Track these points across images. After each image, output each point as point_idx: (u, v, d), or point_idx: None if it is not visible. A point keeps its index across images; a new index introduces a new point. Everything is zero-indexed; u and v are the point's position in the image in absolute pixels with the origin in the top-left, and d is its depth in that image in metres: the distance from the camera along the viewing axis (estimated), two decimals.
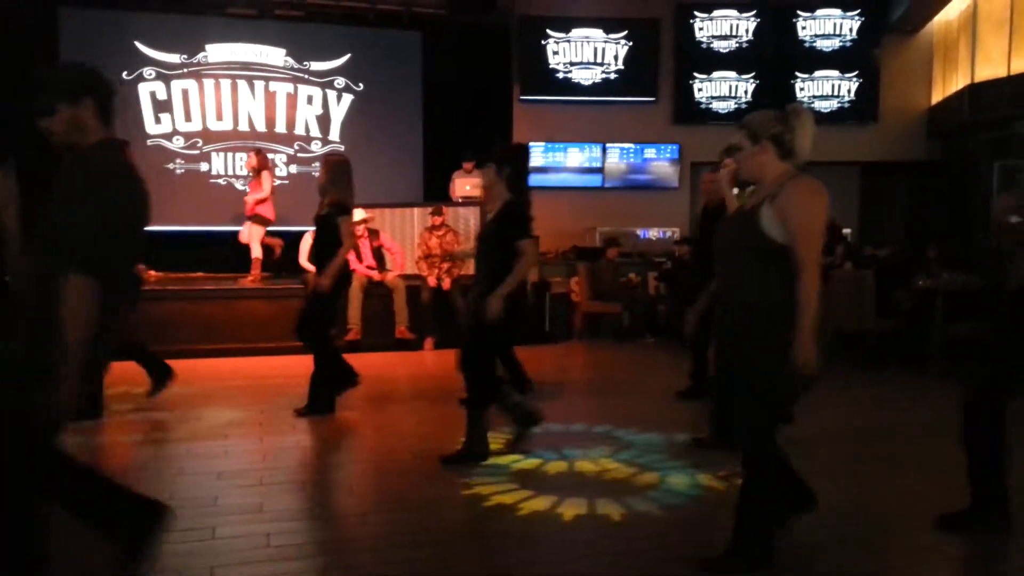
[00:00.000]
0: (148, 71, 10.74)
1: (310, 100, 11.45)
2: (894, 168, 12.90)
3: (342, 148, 11.41)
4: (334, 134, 11.52)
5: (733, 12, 12.41)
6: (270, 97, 11.24)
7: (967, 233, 11.15)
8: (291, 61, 11.31)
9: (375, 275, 8.55)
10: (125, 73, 10.47)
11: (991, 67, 11.29)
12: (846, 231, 11.15)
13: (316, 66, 11.41)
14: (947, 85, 12.33)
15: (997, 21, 11.24)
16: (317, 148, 11.37)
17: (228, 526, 3.48)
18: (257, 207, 8.97)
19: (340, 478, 4.23)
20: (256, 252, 9.05)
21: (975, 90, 11.37)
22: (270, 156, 10.72)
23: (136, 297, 6.03)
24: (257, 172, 9.03)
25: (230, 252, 9.63)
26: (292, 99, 11.36)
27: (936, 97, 12.67)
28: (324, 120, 11.50)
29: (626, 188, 12.29)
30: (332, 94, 11.51)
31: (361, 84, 11.56)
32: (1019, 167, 10.92)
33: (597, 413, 5.75)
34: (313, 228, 5.66)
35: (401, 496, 3.93)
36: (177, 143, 10.92)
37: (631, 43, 12.27)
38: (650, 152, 12.29)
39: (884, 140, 12.64)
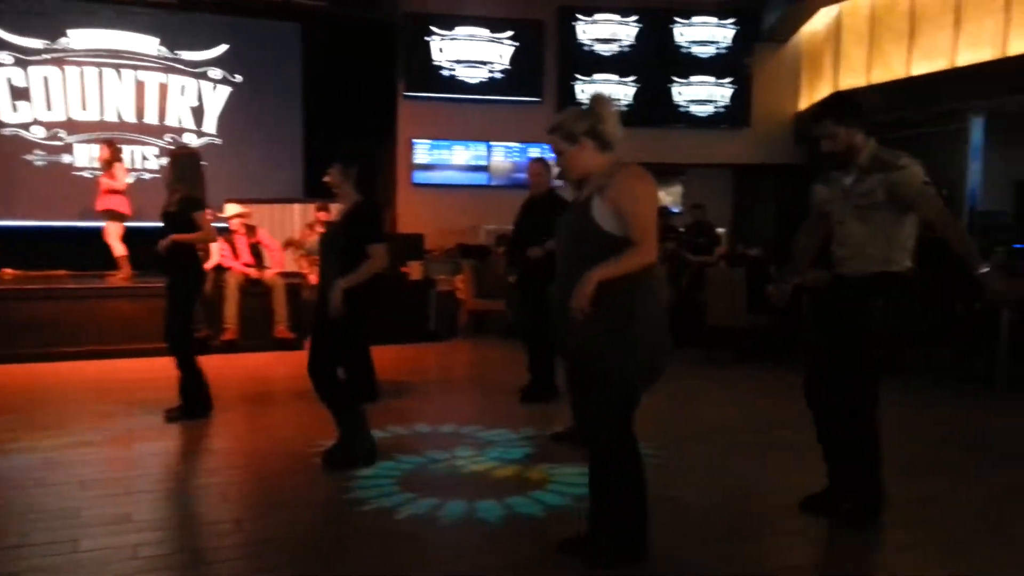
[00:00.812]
0: (4, 56, 10.05)
1: (183, 91, 10.99)
2: (765, 171, 13.50)
3: (218, 141, 11.03)
4: (209, 126, 11.10)
5: (614, 16, 12.69)
6: (140, 87, 10.72)
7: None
8: (164, 50, 10.82)
9: (252, 272, 8.27)
10: None
11: (853, 76, 11.99)
12: (720, 230, 11.57)
13: (190, 56, 10.96)
14: (813, 92, 13.01)
15: (859, 34, 11.94)
16: (192, 141, 10.92)
17: (92, 538, 3.28)
18: (109, 202, 8.49)
19: (214, 484, 4.06)
20: (119, 250, 8.57)
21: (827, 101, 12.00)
22: (140, 149, 10.22)
23: None
24: (109, 164, 8.56)
25: (98, 249, 9.10)
26: (164, 89, 10.87)
27: (803, 104, 13.34)
28: (198, 112, 11.06)
29: (512, 187, 12.36)
30: (207, 85, 11.08)
31: (238, 75, 11.18)
32: None
33: (479, 412, 5.75)
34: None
35: (278, 500, 3.81)
36: (37, 133, 10.27)
37: (517, 43, 12.36)
38: (535, 151, 12.39)
39: (756, 144, 13.22)
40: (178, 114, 10.98)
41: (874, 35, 11.70)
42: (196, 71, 11.04)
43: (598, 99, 2.97)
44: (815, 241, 3.78)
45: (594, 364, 2.87)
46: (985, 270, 3.31)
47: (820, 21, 12.74)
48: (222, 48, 11.07)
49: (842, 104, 3.65)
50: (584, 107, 2.98)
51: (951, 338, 7.44)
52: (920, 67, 10.89)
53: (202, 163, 5.43)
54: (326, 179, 4.38)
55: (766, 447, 4.85)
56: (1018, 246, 9.83)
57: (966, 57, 10.23)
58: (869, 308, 3.42)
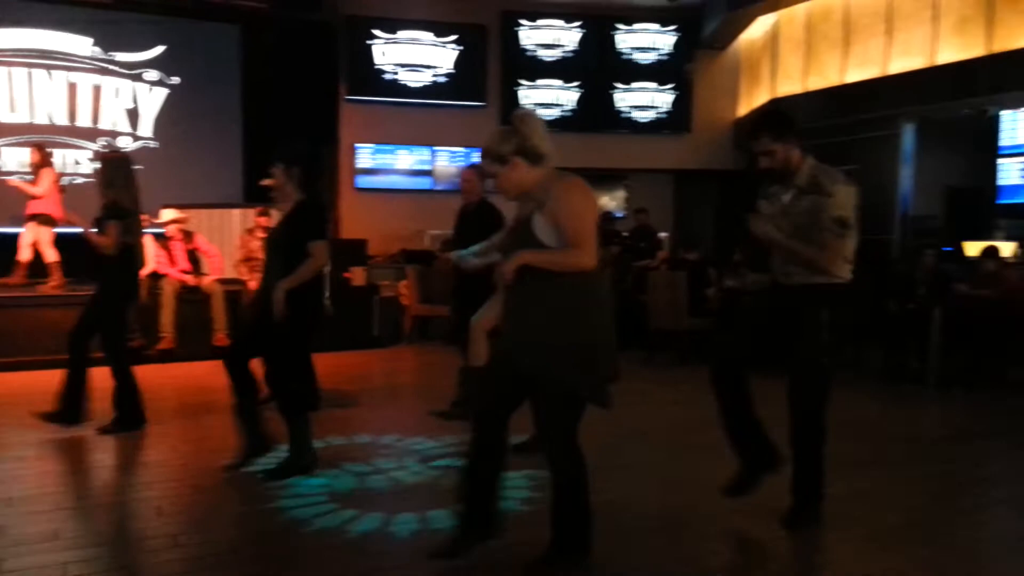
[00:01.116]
0: None
1: (118, 93, 10.71)
2: (705, 176, 13.71)
3: (154, 145, 10.78)
4: (145, 130, 10.84)
5: (558, 22, 12.77)
6: (72, 88, 10.42)
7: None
8: (97, 51, 10.53)
9: (190, 280, 8.08)
10: None
11: (790, 83, 12.26)
12: (662, 235, 11.72)
13: (125, 57, 10.69)
14: (752, 99, 13.27)
15: (795, 42, 12.22)
16: (127, 144, 10.65)
17: (18, 557, 3.17)
18: (38, 206, 8.23)
19: (149, 498, 3.95)
20: (50, 256, 8.30)
21: (776, 104, 12.29)
22: (72, 153, 9.93)
23: None
24: (38, 168, 8.31)
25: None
26: (98, 91, 10.58)
27: (742, 110, 13.59)
28: (134, 114, 10.79)
29: (456, 191, 12.28)
30: (143, 87, 10.82)
31: (176, 78, 10.94)
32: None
33: (422, 421, 5.70)
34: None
35: (216, 515, 3.73)
36: None
37: (460, 48, 12.34)
38: (479, 157, 12.39)
39: (696, 150, 13.42)
40: (113, 117, 10.70)
41: (810, 43, 11.98)
42: (132, 73, 10.77)
43: (519, 117, 2.98)
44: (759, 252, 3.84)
45: (545, 378, 2.88)
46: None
47: (758, 29, 13.01)
48: (159, 49, 10.82)
49: (779, 120, 3.69)
50: (508, 127, 2.99)
51: (884, 336, 7.64)
52: (854, 75, 11.19)
53: (133, 167, 5.28)
54: (267, 181, 4.31)
55: (706, 448, 4.90)
56: (948, 249, 10.17)
57: (898, 65, 10.54)
58: (816, 319, 3.48)
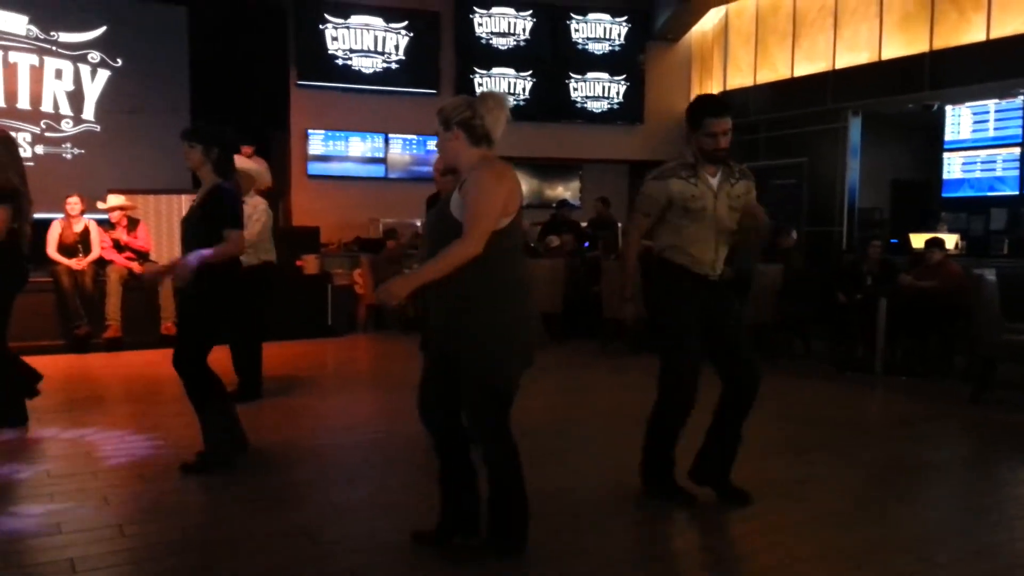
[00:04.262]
0: None
1: (59, 74, 10.38)
2: (658, 166, 13.77)
3: (97, 129, 10.49)
4: (88, 112, 10.54)
5: (510, 10, 12.72)
6: (11, 69, 10.07)
7: None
8: (35, 30, 10.19)
9: (136, 267, 7.90)
10: None
11: (740, 76, 12.41)
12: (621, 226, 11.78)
13: (66, 37, 10.36)
14: (703, 91, 13.37)
15: (746, 35, 12.37)
16: (68, 127, 10.35)
17: None
18: None
19: (94, 488, 3.84)
20: None
21: (726, 96, 12.43)
22: (12, 135, 9.61)
23: None
24: None
25: None
26: (37, 72, 10.25)
27: None
28: (76, 97, 10.47)
29: (410, 179, 12.23)
30: (85, 69, 10.51)
31: (119, 60, 10.64)
32: (765, 168, 12.07)
33: (377, 410, 5.66)
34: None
35: (163, 504, 3.64)
36: None
37: (412, 34, 12.22)
38: (433, 144, 12.29)
39: (649, 140, 13.50)
40: (54, 99, 10.37)
41: (760, 36, 12.14)
42: (73, 54, 10.44)
43: (483, 96, 2.94)
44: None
45: (463, 361, 2.86)
46: None
47: (709, 21, 13.13)
48: (101, 30, 10.51)
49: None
50: (472, 99, 2.96)
51: (832, 326, 7.80)
52: (803, 68, 11.37)
53: (18, 146, 4.97)
54: (187, 162, 4.17)
55: None
56: (894, 241, 10.42)
57: (845, 60, 10.74)
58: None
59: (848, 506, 3.75)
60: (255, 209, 5.61)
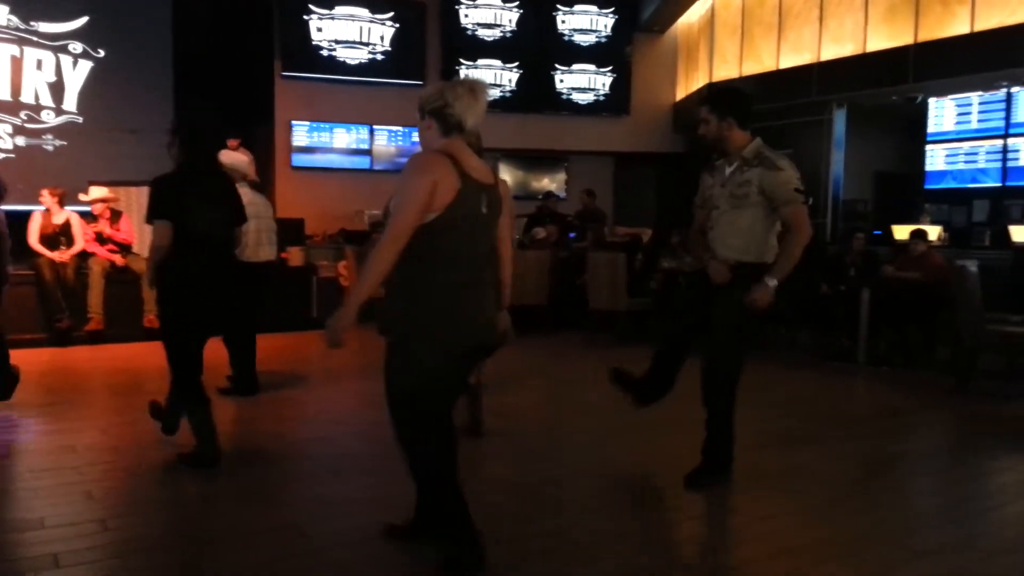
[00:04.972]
0: None
1: (40, 65, 10.24)
2: (645, 158, 13.82)
3: (79, 120, 10.38)
4: (70, 104, 10.40)
5: (497, 1, 12.67)
6: None
7: None
8: (15, 20, 10.04)
9: (118, 259, 7.84)
10: None
11: (726, 68, 12.41)
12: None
13: (47, 27, 10.22)
14: (690, 83, 13.41)
15: (732, 27, 12.37)
16: (49, 119, 10.22)
17: None
18: None
19: (77, 482, 3.81)
20: None
21: (713, 88, 12.45)
22: None
23: None
24: None
25: None
26: (17, 63, 10.10)
27: (680, 94, 13.73)
28: (57, 88, 10.34)
29: (396, 171, 12.17)
30: (67, 59, 10.37)
31: (102, 50, 10.51)
32: None
33: (365, 403, 5.64)
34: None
35: (147, 498, 3.63)
36: None
37: (397, 25, 12.16)
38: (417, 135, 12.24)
39: (635, 132, 13.51)
40: (35, 90, 10.24)
41: (746, 28, 12.14)
42: (54, 44, 10.31)
43: (450, 84, 2.76)
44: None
45: (404, 369, 2.80)
46: (773, 283, 3.55)
47: (696, 13, 13.13)
48: (83, 20, 10.38)
49: (721, 96, 3.86)
50: (447, 85, 2.81)
51: (816, 317, 7.84)
52: (788, 60, 11.39)
53: None
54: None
55: (644, 425, 4.96)
56: (877, 232, 10.47)
57: (830, 52, 10.76)
58: (731, 301, 3.61)
59: (833, 496, 3.78)
60: (250, 204, 5.55)
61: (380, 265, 2.63)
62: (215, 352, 4.16)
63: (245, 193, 5.57)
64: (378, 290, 2.73)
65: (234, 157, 5.82)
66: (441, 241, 2.67)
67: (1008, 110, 10.52)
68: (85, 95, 10.46)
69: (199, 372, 4.00)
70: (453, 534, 2.79)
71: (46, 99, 10.29)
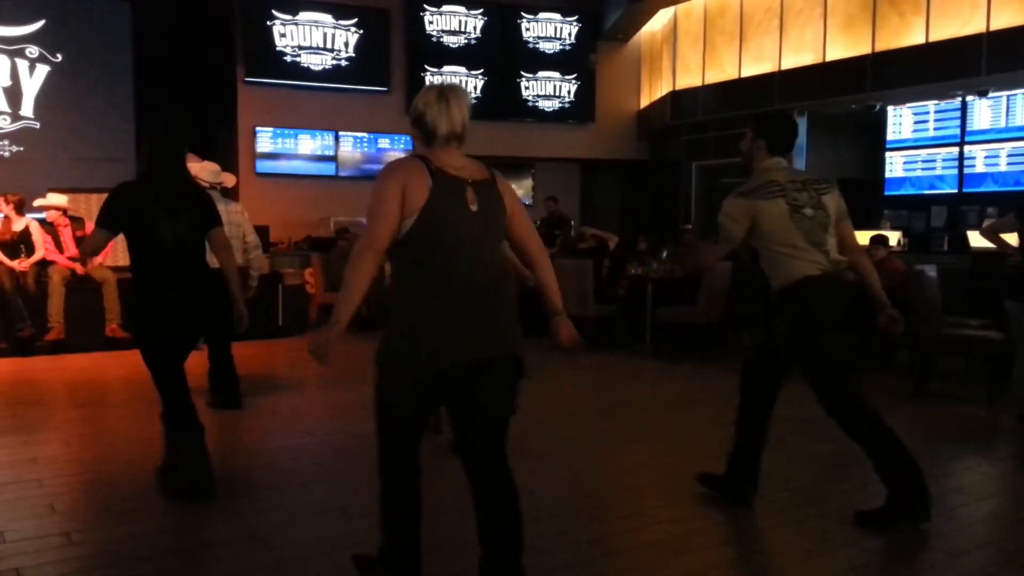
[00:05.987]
0: None
1: None
2: (610, 165, 13.93)
3: (36, 126, 10.20)
4: (27, 109, 10.24)
5: (461, 8, 12.70)
6: None
7: (671, 225, 12.34)
8: None
9: (79, 267, 7.70)
10: None
11: (689, 77, 12.55)
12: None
13: (2, 31, 10.04)
14: (653, 91, 13.53)
15: (694, 35, 12.52)
16: (6, 124, 10.05)
17: None
18: None
19: (40, 495, 3.73)
20: None
21: (676, 96, 12.59)
22: None
23: None
24: None
25: None
26: None
27: (644, 101, 13.85)
28: (14, 93, 10.16)
29: (362, 177, 12.12)
30: (23, 64, 10.19)
31: (59, 55, 10.35)
32: (713, 167, 12.24)
33: (333, 414, 5.61)
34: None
35: (112, 511, 3.56)
36: None
37: (362, 31, 12.13)
38: (384, 142, 12.21)
39: (600, 139, 13.61)
40: None
41: (708, 37, 12.29)
42: (9, 48, 10.13)
43: (425, 90, 2.59)
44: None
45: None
46: None
47: (659, 22, 13.26)
48: (39, 23, 10.21)
49: (763, 117, 3.94)
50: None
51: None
52: (749, 69, 11.55)
53: None
54: None
55: (614, 432, 5.00)
56: None
57: (790, 61, 10.94)
58: (775, 328, 3.78)
59: (797, 500, 3.83)
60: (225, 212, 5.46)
61: (356, 275, 2.52)
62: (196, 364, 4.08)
63: (224, 204, 5.51)
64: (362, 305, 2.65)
65: (204, 166, 5.75)
66: (425, 251, 2.51)
67: (963, 119, 10.76)
68: (42, 100, 10.29)
69: (185, 392, 3.81)
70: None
71: (2, 104, 10.11)
